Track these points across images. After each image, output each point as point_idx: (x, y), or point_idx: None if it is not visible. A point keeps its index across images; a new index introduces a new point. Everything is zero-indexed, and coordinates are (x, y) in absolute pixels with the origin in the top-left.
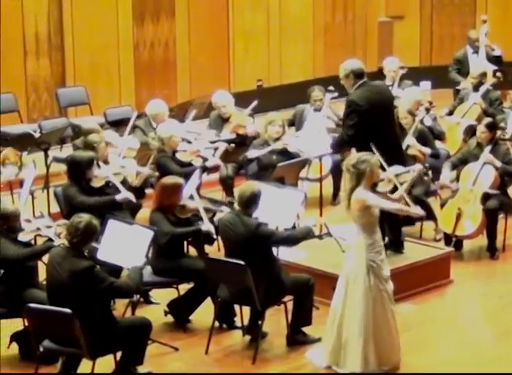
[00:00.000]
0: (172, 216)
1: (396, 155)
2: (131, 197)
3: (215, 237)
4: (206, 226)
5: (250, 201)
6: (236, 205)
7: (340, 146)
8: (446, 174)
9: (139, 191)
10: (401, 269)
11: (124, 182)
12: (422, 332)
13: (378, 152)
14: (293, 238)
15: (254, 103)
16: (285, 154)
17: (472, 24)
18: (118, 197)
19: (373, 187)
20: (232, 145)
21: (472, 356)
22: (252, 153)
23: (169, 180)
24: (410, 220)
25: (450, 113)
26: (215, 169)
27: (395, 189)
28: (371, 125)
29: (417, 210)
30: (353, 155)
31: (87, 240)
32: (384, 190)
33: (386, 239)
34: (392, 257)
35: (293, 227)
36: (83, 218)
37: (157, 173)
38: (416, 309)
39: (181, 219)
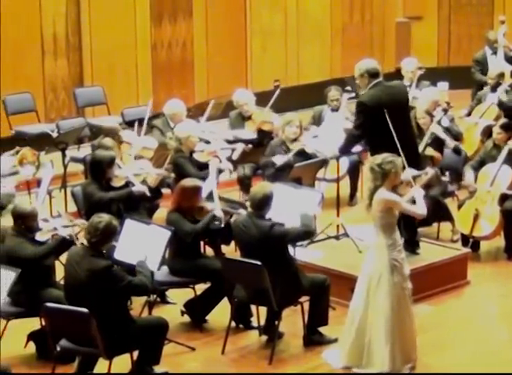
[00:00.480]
0: (190, 216)
1: (410, 156)
2: (146, 190)
3: (222, 225)
4: (218, 212)
5: (262, 203)
6: (248, 207)
7: (347, 147)
8: (470, 176)
9: (155, 191)
10: (418, 269)
11: (143, 183)
12: (439, 333)
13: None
14: (305, 232)
15: (277, 92)
16: (302, 154)
17: (490, 25)
18: (134, 188)
19: (394, 190)
20: (250, 146)
21: (490, 357)
22: (278, 159)
23: (189, 182)
24: (426, 221)
25: (468, 114)
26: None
27: None
28: (381, 125)
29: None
30: (379, 155)
31: (106, 240)
32: (403, 193)
33: (402, 239)
34: (410, 258)
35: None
36: (103, 218)
37: (173, 175)
38: (433, 310)
39: (198, 220)
